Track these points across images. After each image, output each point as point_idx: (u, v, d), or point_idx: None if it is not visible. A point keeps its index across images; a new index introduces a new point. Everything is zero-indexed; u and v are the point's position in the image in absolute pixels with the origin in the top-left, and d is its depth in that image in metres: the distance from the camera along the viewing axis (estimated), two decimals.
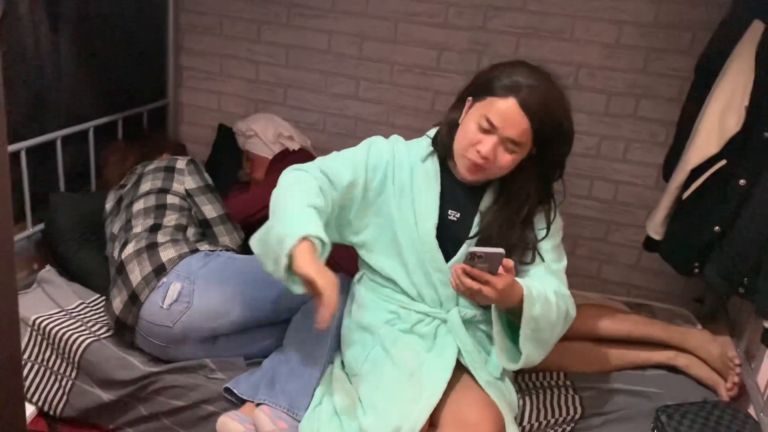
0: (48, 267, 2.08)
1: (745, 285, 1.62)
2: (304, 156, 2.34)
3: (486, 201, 1.57)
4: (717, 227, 1.68)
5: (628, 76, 2.25)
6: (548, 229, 1.57)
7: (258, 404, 1.58)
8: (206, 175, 2.08)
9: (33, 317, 1.83)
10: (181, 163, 2.05)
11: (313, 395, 1.58)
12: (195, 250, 1.82)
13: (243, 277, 1.76)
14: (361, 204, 1.59)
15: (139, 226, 1.88)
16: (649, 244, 1.98)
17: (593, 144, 2.34)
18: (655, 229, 1.91)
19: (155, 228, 1.86)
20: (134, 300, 1.73)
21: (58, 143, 2.11)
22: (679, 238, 1.83)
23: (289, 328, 1.73)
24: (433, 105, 2.47)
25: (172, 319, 1.70)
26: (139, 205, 1.94)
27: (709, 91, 1.70)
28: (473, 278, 1.37)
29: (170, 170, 2.03)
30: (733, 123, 1.61)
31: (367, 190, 1.59)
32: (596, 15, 2.22)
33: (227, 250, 1.95)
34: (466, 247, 1.55)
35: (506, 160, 1.46)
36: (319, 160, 1.59)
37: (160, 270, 1.75)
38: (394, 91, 2.50)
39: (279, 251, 1.35)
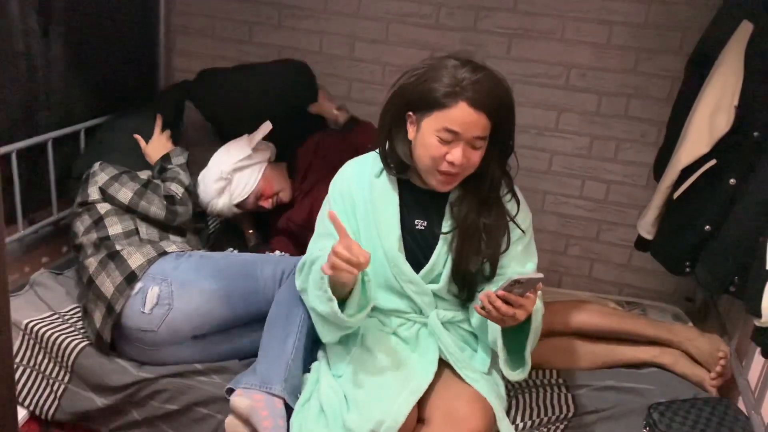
0: (41, 270, 2.08)
1: (736, 283, 1.63)
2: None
3: (454, 193, 1.56)
4: (707, 226, 1.69)
5: (619, 77, 2.26)
6: (517, 201, 1.56)
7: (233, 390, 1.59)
8: (118, 166, 2.01)
9: (25, 321, 1.82)
10: (95, 166, 2.00)
11: (286, 368, 1.58)
12: (163, 253, 1.81)
13: (218, 273, 1.77)
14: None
15: (88, 244, 1.86)
16: (641, 243, 1.99)
17: (584, 144, 2.35)
18: (647, 228, 1.92)
19: (105, 239, 1.85)
20: (110, 311, 1.72)
21: (49, 145, 2.10)
22: (670, 237, 1.84)
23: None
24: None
25: (156, 323, 1.70)
26: (77, 227, 1.92)
27: (699, 91, 1.71)
28: (508, 303, 1.34)
29: (85, 179, 1.98)
30: (723, 123, 1.62)
31: (357, 226, 1.60)
32: (587, 15, 2.23)
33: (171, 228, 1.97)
34: (442, 244, 1.55)
35: (476, 156, 1.46)
36: (311, 246, 1.63)
37: (131, 278, 1.74)
38: (386, 92, 2.49)
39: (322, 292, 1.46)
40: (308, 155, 2.21)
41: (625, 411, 1.69)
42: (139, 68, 2.59)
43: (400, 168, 1.56)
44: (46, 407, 1.77)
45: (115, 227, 1.87)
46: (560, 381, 1.78)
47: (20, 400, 1.77)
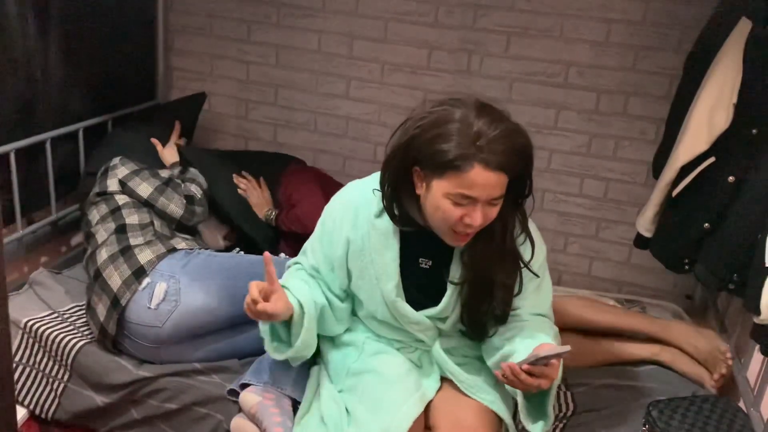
0: (40, 269, 2.07)
1: (735, 281, 1.63)
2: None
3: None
4: (706, 224, 1.69)
5: (618, 74, 2.26)
6: (532, 243, 1.45)
7: (243, 385, 1.60)
8: (138, 162, 2.06)
9: (24, 320, 1.82)
10: (114, 159, 2.03)
11: (296, 368, 1.59)
12: (173, 249, 1.83)
13: (226, 272, 1.79)
14: (348, 274, 1.55)
15: (102, 233, 1.88)
16: (640, 241, 1.98)
17: (583, 142, 2.35)
18: (646, 226, 1.92)
19: (121, 229, 1.86)
20: (115, 305, 1.73)
21: (48, 144, 2.10)
22: (669, 235, 1.84)
23: None
24: (424, 104, 2.46)
25: (161, 319, 1.70)
26: (93, 215, 1.95)
27: (698, 88, 1.71)
28: (532, 375, 1.27)
29: (104, 172, 2.02)
30: (722, 120, 1.62)
31: (342, 263, 1.53)
32: (585, 13, 2.23)
33: (180, 223, 2.00)
34: (452, 293, 1.46)
35: (494, 212, 1.34)
36: (301, 258, 1.61)
37: (139, 272, 1.75)
38: (385, 90, 2.50)
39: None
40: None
41: (624, 409, 1.69)
42: (137, 67, 2.58)
43: (407, 222, 1.44)
44: (46, 406, 1.77)
45: (132, 218, 1.90)
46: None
47: (20, 399, 1.77)
